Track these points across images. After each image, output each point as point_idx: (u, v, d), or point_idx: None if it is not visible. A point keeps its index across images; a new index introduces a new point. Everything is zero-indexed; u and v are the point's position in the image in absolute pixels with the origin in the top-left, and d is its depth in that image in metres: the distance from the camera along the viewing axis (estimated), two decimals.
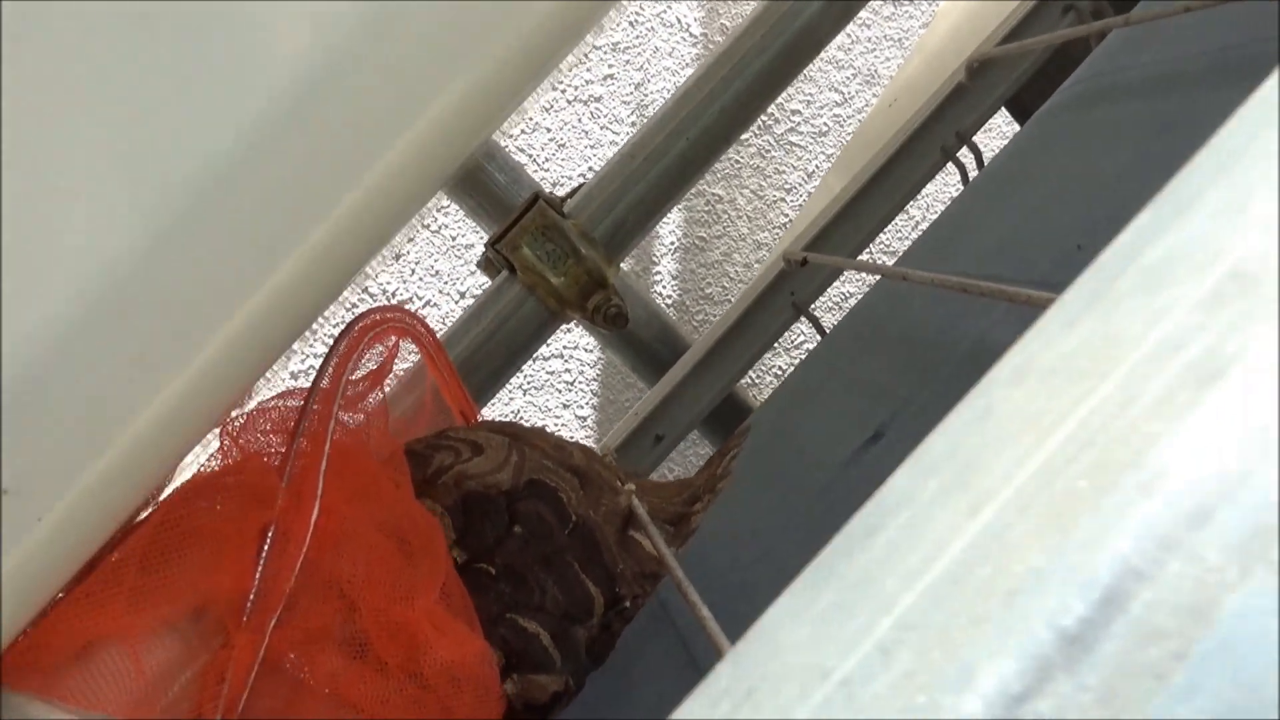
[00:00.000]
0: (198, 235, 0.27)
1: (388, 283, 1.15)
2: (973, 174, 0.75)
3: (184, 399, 0.29)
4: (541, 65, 0.31)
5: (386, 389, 0.47)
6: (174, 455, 0.32)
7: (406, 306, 1.17)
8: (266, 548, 0.35)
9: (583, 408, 1.23)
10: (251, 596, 0.34)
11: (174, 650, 0.32)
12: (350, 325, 0.44)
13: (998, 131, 1.23)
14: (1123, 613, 0.10)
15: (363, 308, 1.17)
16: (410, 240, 1.16)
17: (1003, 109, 0.90)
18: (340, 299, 1.14)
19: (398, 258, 1.15)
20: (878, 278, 0.69)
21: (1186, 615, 0.09)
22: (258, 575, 0.35)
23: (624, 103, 1.22)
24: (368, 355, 0.45)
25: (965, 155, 0.76)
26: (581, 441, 0.64)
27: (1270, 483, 0.10)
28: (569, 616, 0.46)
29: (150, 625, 0.32)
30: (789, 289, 0.72)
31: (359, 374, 0.44)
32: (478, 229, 0.97)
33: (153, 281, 0.27)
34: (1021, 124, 0.83)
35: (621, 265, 0.78)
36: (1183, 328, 0.11)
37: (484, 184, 0.84)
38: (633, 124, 1.21)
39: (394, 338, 0.47)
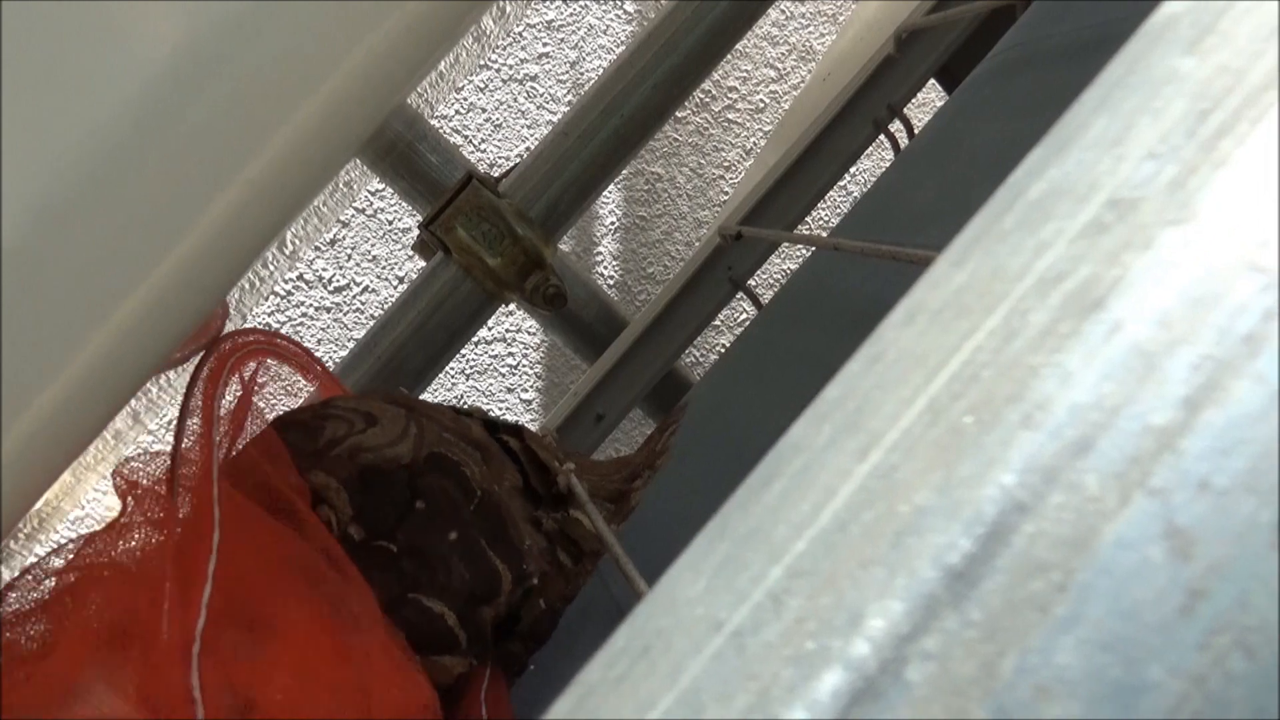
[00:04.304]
0: (96, 206, 0.26)
1: (323, 269, 1.13)
2: (904, 146, 0.76)
3: (93, 374, 0.28)
4: (448, 32, 0.30)
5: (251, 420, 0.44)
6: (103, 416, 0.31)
7: (345, 291, 1.15)
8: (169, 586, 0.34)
9: (527, 391, 1.22)
10: (165, 631, 0.32)
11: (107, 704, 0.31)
12: (206, 354, 0.41)
13: (931, 107, 1.25)
14: (1006, 547, 0.10)
15: (298, 295, 1.14)
16: (345, 225, 1.13)
17: (935, 85, 0.91)
18: (273, 286, 1.12)
19: (332, 243, 1.13)
20: (812, 253, 0.69)
21: (1067, 546, 0.09)
22: (165, 610, 0.33)
23: (560, 81, 1.21)
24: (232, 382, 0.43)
25: (898, 129, 0.76)
26: (526, 425, 0.64)
27: (1147, 409, 0.10)
28: (475, 596, 0.44)
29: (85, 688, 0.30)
30: (725, 264, 0.72)
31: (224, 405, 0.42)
32: (414, 212, 0.95)
33: (48, 259, 0.26)
34: None
35: (560, 245, 0.77)
36: (1064, 259, 0.11)
37: (416, 165, 0.82)
38: (569, 102, 1.20)
39: (253, 364, 0.44)
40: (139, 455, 0.39)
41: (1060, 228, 0.11)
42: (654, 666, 0.11)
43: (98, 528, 0.38)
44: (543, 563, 0.47)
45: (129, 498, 0.37)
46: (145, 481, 0.38)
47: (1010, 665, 0.09)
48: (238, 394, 0.43)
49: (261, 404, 0.45)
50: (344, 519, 0.44)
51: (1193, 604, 0.09)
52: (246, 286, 1.07)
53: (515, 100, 1.19)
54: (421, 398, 0.77)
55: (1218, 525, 0.09)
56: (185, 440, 0.38)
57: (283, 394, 0.47)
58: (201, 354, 0.41)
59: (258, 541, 0.37)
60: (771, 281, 1.30)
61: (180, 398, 0.40)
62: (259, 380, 0.45)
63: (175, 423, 0.39)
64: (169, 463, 0.38)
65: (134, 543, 0.37)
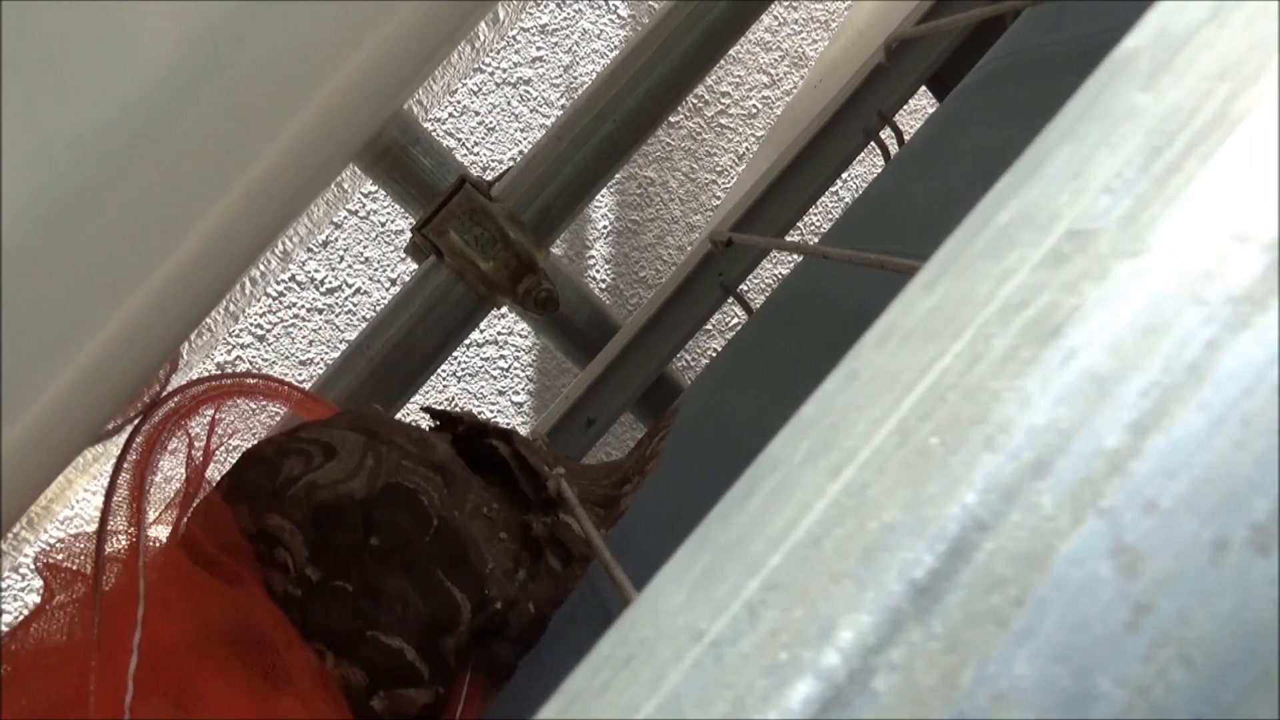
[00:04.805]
0: (96, 208, 0.26)
1: (315, 270, 1.13)
2: (895, 153, 0.76)
3: (92, 375, 0.28)
4: (445, 38, 0.31)
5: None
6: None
7: (337, 292, 1.15)
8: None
9: (518, 394, 1.22)
10: None
11: None
12: (140, 424, 0.42)
13: (923, 113, 1.25)
14: (967, 563, 0.10)
15: (290, 296, 1.14)
16: (338, 227, 1.14)
17: (927, 91, 0.92)
18: (265, 288, 1.12)
19: (325, 245, 1.13)
20: (803, 260, 0.69)
21: (1024, 562, 0.10)
22: (92, 689, 0.33)
23: (553, 85, 1.21)
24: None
25: (889, 137, 0.77)
26: (517, 428, 0.64)
27: (1099, 431, 0.10)
28: (435, 627, 0.44)
29: None
30: (717, 270, 0.73)
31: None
32: (407, 214, 0.95)
33: (55, 251, 0.26)
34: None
35: (552, 249, 0.78)
36: (1025, 286, 0.11)
37: (409, 168, 0.83)
38: (562, 107, 1.21)
39: (211, 411, 0.45)
40: (62, 538, 0.39)
41: (1024, 256, 0.11)
42: (636, 675, 0.12)
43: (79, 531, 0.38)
44: (508, 586, 0.47)
45: (52, 581, 0.38)
46: (68, 562, 0.38)
47: (970, 675, 0.10)
48: (199, 439, 0.45)
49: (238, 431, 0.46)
50: (300, 561, 0.44)
51: (1138, 618, 0.09)
52: (239, 288, 1.07)
53: (509, 104, 1.19)
54: (412, 400, 0.77)
55: (1163, 543, 0.10)
56: (111, 516, 0.39)
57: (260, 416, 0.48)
58: (136, 422, 0.42)
59: (190, 608, 0.38)
60: (762, 286, 1.31)
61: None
62: (221, 418, 0.46)
63: (105, 494, 0.40)
64: (94, 541, 0.39)
65: (61, 624, 0.37)
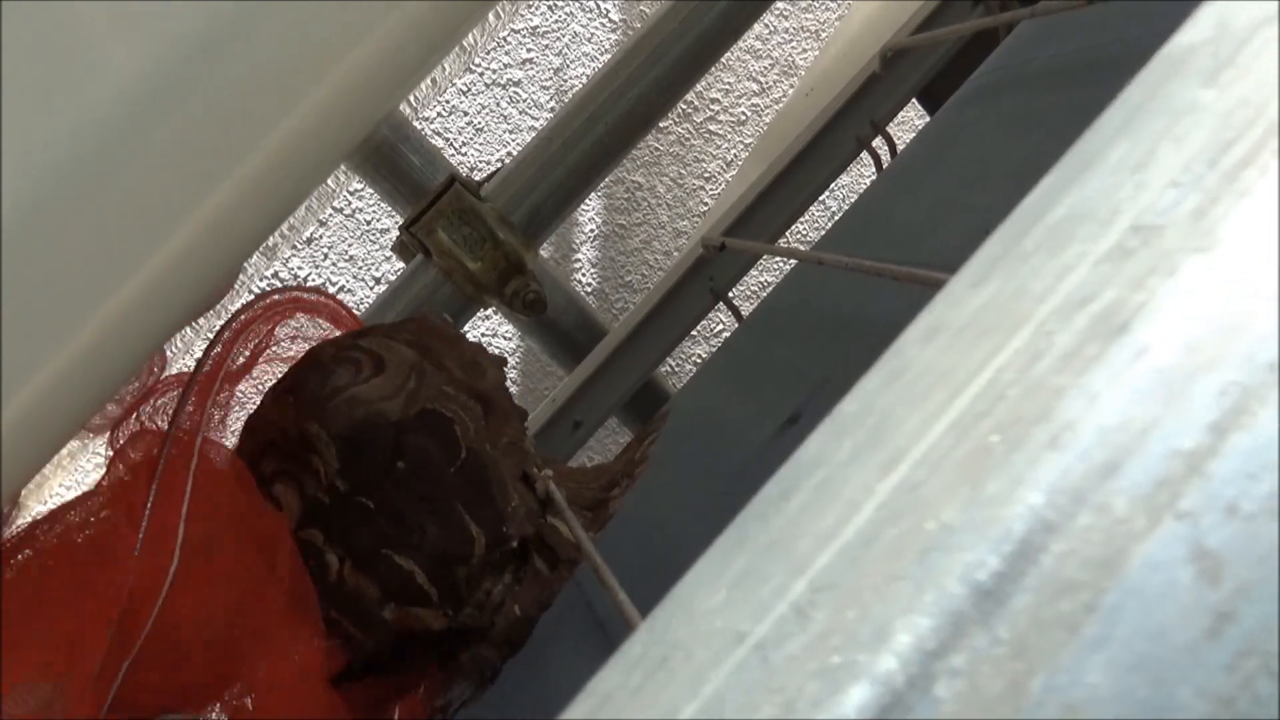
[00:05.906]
0: (90, 201, 0.26)
1: (299, 267, 1.12)
2: (887, 163, 0.77)
3: (71, 368, 0.27)
4: (441, 41, 0.30)
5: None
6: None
7: (320, 289, 1.14)
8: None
9: None
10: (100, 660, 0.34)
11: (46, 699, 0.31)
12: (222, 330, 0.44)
13: (911, 125, 1.26)
14: (1034, 565, 0.10)
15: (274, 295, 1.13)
16: (323, 224, 1.13)
17: (916, 105, 0.92)
18: (249, 284, 1.10)
19: (309, 242, 1.12)
20: (794, 267, 0.69)
21: (1096, 567, 0.10)
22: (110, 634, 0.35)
23: (543, 87, 1.21)
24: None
25: (880, 145, 0.77)
26: None
27: (1175, 432, 0.10)
28: (447, 556, 0.46)
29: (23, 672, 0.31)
30: (707, 275, 0.72)
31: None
32: (393, 213, 0.94)
33: (40, 249, 0.26)
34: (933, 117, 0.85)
35: (540, 251, 0.77)
36: (1088, 281, 0.11)
37: (399, 166, 0.82)
38: (552, 109, 1.20)
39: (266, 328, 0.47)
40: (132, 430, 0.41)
41: (1083, 251, 0.11)
42: (674, 676, 0.11)
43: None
44: (527, 526, 0.48)
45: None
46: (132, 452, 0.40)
47: (1039, 684, 0.09)
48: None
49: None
50: (330, 472, 0.45)
51: (1220, 627, 0.09)
52: None
53: (498, 105, 1.18)
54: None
55: (1245, 549, 0.09)
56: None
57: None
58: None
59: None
60: (748, 293, 1.31)
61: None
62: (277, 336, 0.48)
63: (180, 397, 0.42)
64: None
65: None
